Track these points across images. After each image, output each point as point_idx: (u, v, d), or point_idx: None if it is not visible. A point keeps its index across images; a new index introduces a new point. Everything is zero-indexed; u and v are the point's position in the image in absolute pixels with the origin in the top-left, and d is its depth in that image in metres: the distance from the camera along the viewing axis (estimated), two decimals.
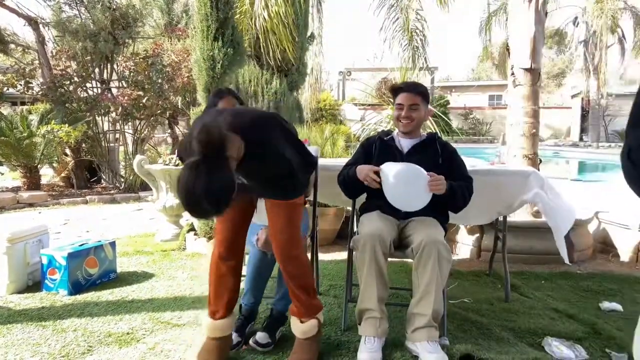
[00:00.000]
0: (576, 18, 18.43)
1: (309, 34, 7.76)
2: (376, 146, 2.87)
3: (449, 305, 2.92)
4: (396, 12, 7.15)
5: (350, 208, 3.14)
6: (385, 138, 2.88)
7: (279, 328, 2.64)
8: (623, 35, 18.31)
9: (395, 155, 2.74)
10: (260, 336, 2.53)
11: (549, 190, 2.95)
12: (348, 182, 2.79)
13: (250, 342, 2.51)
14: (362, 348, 2.43)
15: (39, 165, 8.32)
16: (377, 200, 2.71)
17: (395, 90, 2.84)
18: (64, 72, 8.57)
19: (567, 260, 3.05)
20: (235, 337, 2.55)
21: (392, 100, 5.20)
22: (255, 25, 5.52)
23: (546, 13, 4.73)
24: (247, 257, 2.74)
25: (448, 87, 28.41)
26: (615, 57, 20.06)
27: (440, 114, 5.19)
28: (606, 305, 3.15)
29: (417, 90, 2.78)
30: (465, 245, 4.35)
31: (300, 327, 2.38)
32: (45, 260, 3.40)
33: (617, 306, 3.13)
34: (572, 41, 19.80)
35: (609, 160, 14.76)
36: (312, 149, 3.15)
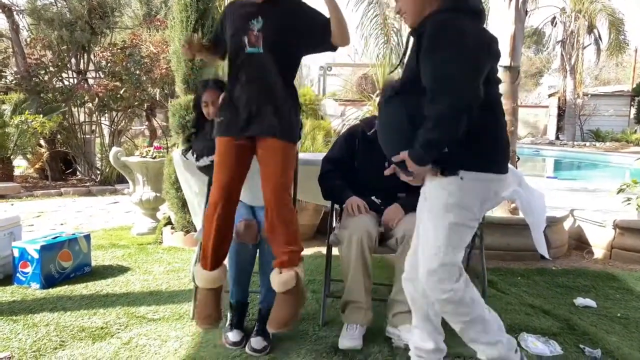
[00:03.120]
0: (554, 18, 18.67)
1: None
2: (359, 142, 2.82)
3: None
4: (374, 9, 7.15)
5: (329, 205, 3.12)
6: (369, 133, 2.79)
7: (244, 318, 2.62)
8: (599, 36, 18.62)
9: (380, 156, 2.30)
10: (255, 341, 2.46)
11: (525, 188, 2.97)
12: (330, 195, 2.84)
13: (247, 350, 2.44)
14: (344, 334, 2.46)
15: (12, 157, 8.13)
16: (359, 196, 2.71)
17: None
18: (38, 61, 8.38)
19: (547, 255, 3.08)
20: (237, 334, 2.53)
21: (372, 96, 5.21)
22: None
23: (526, 12, 4.77)
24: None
25: None
26: (591, 58, 20.42)
27: None
28: (580, 301, 3.19)
29: None
30: None
31: (277, 279, 2.30)
32: (17, 253, 3.32)
33: (591, 302, 3.17)
34: (550, 41, 20.08)
35: (585, 158, 15.03)
36: None
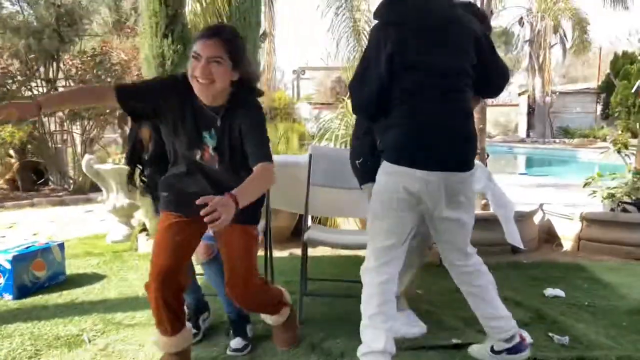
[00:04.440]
0: (521, 18, 19.06)
1: (261, 32, 7.74)
2: None
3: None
4: (343, 13, 7.22)
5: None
6: None
7: (246, 327, 2.60)
8: (565, 36, 19.07)
9: None
10: (235, 342, 2.49)
11: (493, 183, 3.06)
12: None
13: (228, 352, 2.46)
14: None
15: None
16: None
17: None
18: (5, 70, 8.23)
19: (522, 246, 3.17)
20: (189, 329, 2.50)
21: (344, 98, 5.26)
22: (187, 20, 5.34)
23: (491, 12, 4.88)
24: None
25: None
26: (559, 57, 20.89)
27: None
28: (549, 291, 3.29)
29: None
30: None
31: (272, 319, 2.49)
32: None
33: (559, 292, 3.27)
34: (519, 41, 20.49)
35: (555, 154, 15.35)
36: None
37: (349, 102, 5.11)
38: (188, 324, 2.31)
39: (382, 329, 2.10)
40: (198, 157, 2.11)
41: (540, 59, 18.43)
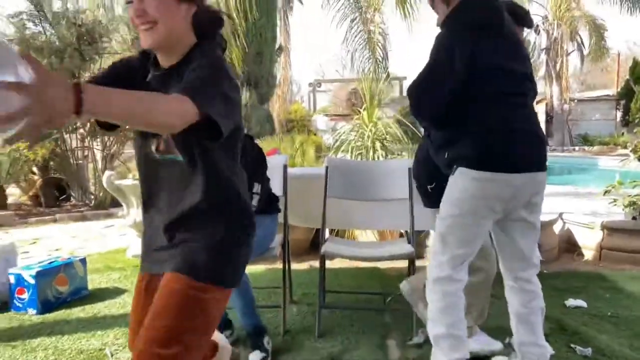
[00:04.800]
0: (537, 26, 18.95)
1: (277, 46, 7.84)
2: None
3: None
4: (358, 25, 7.28)
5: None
6: None
7: (263, 339, 2.61)
8: (582, 43, 18.91)
9: None
10: (254, 356, 2.51)
11: None
12: None
13: None
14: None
15: (4, 185, 8.15)
16: None
17: None
18: None
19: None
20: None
21: (360, 110, 5.29)
22: None
23: None
24: None
25: None
26: (576, 64, 20.71)
27: (408, 123, 5.30)
28: (571, 302, 3.25)
29: None
30: None
31: None
32: (13, 280, 3.34)
33: (581, 303, 3.23)
34: (535, 49, 20.36)
35: (575, 163, 15.16)
36: (282, 158, 3.20)
37: (364, 113, 5.14)
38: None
39: (462, 337, 2.11)
40: (153, 148, 1.48)
41: (558, 67, 18.29)
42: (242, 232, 1.51)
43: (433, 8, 2.23)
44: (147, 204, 1.55)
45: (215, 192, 1.43)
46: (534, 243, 2.23)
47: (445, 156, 2.14)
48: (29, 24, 8.93)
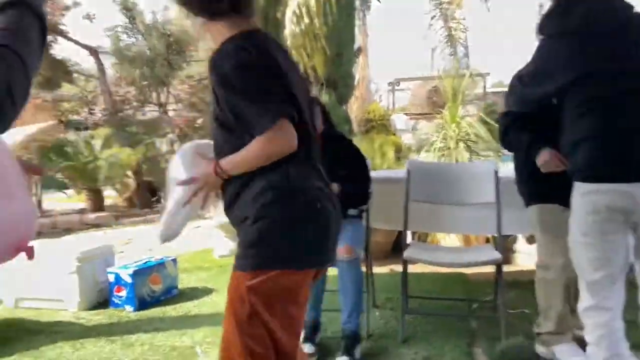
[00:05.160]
0: None
1: (355, 47, 7.84)
2: None
3: (508, 315, 2.87)
4: (438, 22, 7.16)
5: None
6: None
7: (356, 346, 2.62)
8: None
9: None
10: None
11: None
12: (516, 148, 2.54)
13: None
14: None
15: (102, 187, 8.73)
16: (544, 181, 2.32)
17: None
18: (123, 97, 8.99)
19: None
20: (310, 348, 2.61)
21: (441, 110, 5.17)
22: (289, 42, 5.53)
23: None
24: None
25: (503, 92, 27.74)
26: None
27: (492, 122, 5.12)
28: None
29: None
30: (524, 255, 4.25)
31: None
32: (112, 278, 3.57)
33: None
34: None
35: None
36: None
37: (446, 112, 5.01)
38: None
39: None
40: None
41: None
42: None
43: None
44: None
45: None
46: None
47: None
48: (123, 36, 9.52)
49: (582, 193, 1.94)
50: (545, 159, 2.18)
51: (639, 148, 1.90)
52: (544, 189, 2.37)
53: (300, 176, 1.50)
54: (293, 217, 1.47)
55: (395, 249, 4.70)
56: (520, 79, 2.19)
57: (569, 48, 1.97)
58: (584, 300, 2.00)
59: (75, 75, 10.14)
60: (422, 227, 4.03)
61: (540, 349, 2.52)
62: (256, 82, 1.45)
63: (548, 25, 2.08)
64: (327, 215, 1.52)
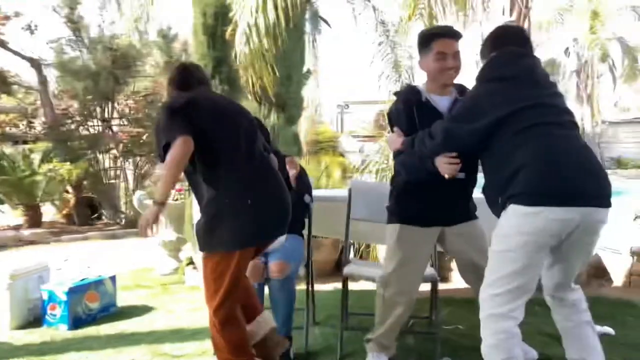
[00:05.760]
0: (567, 48, 18.78)
1: (305, 69, 7.95)
2: (416, 109, 2.51)
3: (443, 331, 2.97)
4: (385, 48, 7.39)
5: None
6: (422, 99, 2.53)
7: (290, 350, 2.71)
8: (613, 65, 18.63)
9: (436, 119, 2.40)
10: None
11: None
12: (416, 168, 2.47)
13: None
14: None
15: (40, 203, 8.41)
16: (417, 203, 2.56)
17: (430, 36, 2.54)
18: (65, 111, 8.75)
19: None
20: None
21: (383, 132, 5.31)
22: (237, 62, 5.56)
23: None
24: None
25: None
26: (608, 86, 20.37)
27: None
28: (598, 328, 3.16)
29: (459, 37, 2.53)
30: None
31: None
32: (45, 296, 3.46)
33: (608, 330, 3.17)
34: (565, 71, 20.14)
35: None
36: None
37: (389, 135, 5.16)
38: None
39: None
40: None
41: (588, 89, 18.05)
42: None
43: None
44: None
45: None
46: (585, 261, 2.34)
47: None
48: (67, 49, 9.29)
49: (519, 214, 2.05)
50: (443, 161, 2.30)
51: (574, 174, 2.04)
52: (410, 212, 2.57)
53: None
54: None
55: (338, 267, 4.77)
56: (454, 119, 2.28)
57: (507, 88, 2.19)
58: (492, 308, 2.11)
59: (14, 87, 9.78)
60: (364, 238, 4.13)
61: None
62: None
63: (487, 72, 2.30)
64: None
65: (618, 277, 4.33)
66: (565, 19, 17.46)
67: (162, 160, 2.13)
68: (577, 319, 2.28)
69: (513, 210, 2.08)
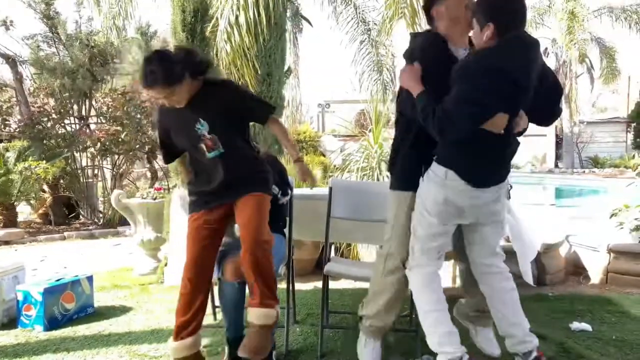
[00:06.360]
0: (546, 49, 19.04)
1: (285, 68, 7.93)
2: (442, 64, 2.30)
3: (423, 333, 2.97)
4: (367, 47, 7.40)
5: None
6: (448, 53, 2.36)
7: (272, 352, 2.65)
8: (591, 65, 18.95)
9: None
10: None
11: (513, 216, 3.06)
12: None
13: None
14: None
15: (15, 203, 8.24)
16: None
17: None
18: (41, 109, 8.59)
19: (532, 283, 3.17)
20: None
21: (365, 132, 5.32)
22: (217, 59, 5.53)
23: None
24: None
25: None
26: (586, 86, 20.73)
27: None
28: (576, 325, 3.23)
29: None
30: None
31: (260, 312, 2.42)
32: (20, 297, 3.38)
33: (586, 326, 3.21)
34: None
35: (584, 185, 15.07)
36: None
37: (370, 134, 5.18)
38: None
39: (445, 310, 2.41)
40: (204, 148, 2.49)
41: (567, 89, 18.31)
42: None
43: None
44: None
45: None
46: (500, 236, 2.52)
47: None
48: (43, 45, 9.13)
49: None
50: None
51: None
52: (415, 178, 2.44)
53: None
54: None
55: (319, 266, 4.75)
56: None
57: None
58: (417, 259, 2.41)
59: None
60: (344, 238, 4.13)
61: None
62: None
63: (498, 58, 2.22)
64: None
65: (595, 275, 4.39)
66: (544, 20, 17.71)
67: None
68: (505, 286, 2.48)
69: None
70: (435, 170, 2.31)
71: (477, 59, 2.22)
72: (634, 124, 18.49)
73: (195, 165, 2.60)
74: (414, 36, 2.58)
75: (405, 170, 2.49)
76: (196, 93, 2.46)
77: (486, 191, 2.32)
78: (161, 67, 2.30)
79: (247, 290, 2.60)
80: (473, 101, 2.13)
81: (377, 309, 2.57)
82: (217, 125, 2.46)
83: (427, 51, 2.36)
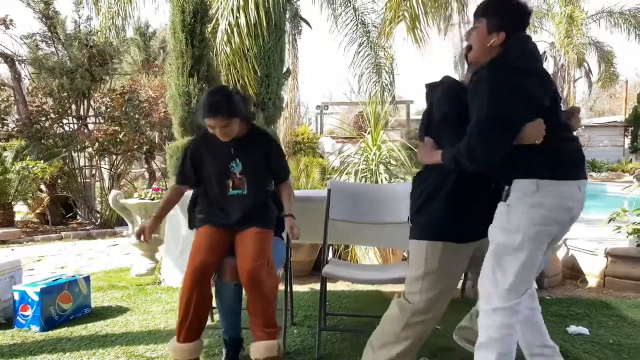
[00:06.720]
0: (544, 52, 19.08)
1: (284, 69, 7.94)
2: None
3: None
4: (366, 50, 7.41)
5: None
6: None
7: (239, 352, 2.72)
8: (589, 69, 19.00)
9: None
10: None
11: None
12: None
13: None
14: None
15: (12, 202, 8.22)
16: (462, 213, 2.21)
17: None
18: (40, 108, 8.57)
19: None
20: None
21: (363, 134, 5.32)
22: (217, 60, 5.53)
23: None
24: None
25: None
26: (584, 90, 20.78)
27: (413, 147, 5.32)
28: (573, 329, 3.23)
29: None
30: None
31: (261, 345, 2.48)
32: (17, 297, 3.37)
33: (583, 330, 3.21)
34: None
35: None
36: None
37: (369, 136, 5.16)
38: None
39: None
40: (230, 184, 2.72)
41: (564, 93, 18.35)
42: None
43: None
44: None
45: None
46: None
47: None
48: (42, 45, 9.11)
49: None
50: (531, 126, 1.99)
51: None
52: (454, 226, 2.21)
53: None
54: None
55: (317, 267, 4.76)
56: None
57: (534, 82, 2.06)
58: (496, 302, 2.06)
59: None
60: (342, 240, 4.12)
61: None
62: None
63: (520, 58, 2.08)
64: None
65: (593, 278, 4.40)
66: (542, 24, 17.75)
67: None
68: (535, 306, 2.33)
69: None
70: (524, 188, 2.02)
71: (490, 68, 2.04)
72: (632, 128, 18.55)
73: (211, 197, 2.77)
74: (431, 88, 2.31)
75: (441, 221, 2.22)
76: (242, 134, 2.70)
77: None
78: (225, 99, 2.56)
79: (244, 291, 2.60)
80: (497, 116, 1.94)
81: (389, 358, 2.34)
82: (250, 169, 2.70)
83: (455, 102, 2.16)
